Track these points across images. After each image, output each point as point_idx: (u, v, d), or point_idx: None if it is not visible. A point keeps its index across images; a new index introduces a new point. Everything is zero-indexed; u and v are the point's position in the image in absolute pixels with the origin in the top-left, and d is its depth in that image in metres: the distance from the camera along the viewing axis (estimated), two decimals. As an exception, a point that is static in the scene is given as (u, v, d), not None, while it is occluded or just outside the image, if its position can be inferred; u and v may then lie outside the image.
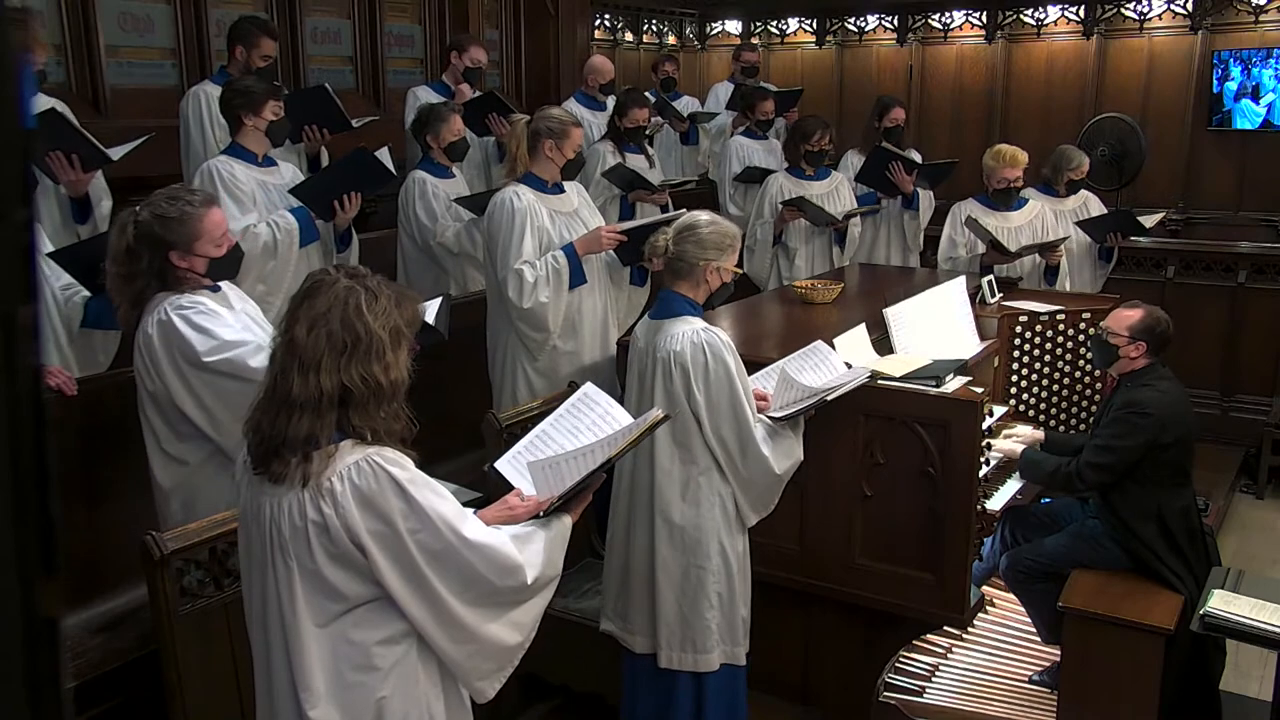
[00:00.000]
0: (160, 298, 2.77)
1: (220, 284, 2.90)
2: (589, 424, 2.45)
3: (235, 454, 2.19)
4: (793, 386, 3.02)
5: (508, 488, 2.29)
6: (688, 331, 2.90)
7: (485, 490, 2.97)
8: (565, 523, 2.13)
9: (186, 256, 2.76)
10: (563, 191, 4.02)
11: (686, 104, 7.27)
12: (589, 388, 2.57)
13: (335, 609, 1.89)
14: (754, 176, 6.04)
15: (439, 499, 1.90)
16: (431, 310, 3.07)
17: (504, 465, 2.37)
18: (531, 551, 2.01)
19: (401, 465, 1.88)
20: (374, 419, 1.88)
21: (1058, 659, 3.57)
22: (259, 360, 2.61)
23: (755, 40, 9.03)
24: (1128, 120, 7.22)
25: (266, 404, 1.88)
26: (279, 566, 1.88)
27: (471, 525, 1.94)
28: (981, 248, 5.01)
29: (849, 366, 3.28)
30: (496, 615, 1.98)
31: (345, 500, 1.83)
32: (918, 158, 5.84)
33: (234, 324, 2.82)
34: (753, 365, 3.17)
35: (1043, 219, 5.12)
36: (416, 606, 1.90)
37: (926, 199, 5.73)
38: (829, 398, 3.00)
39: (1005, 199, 5.07)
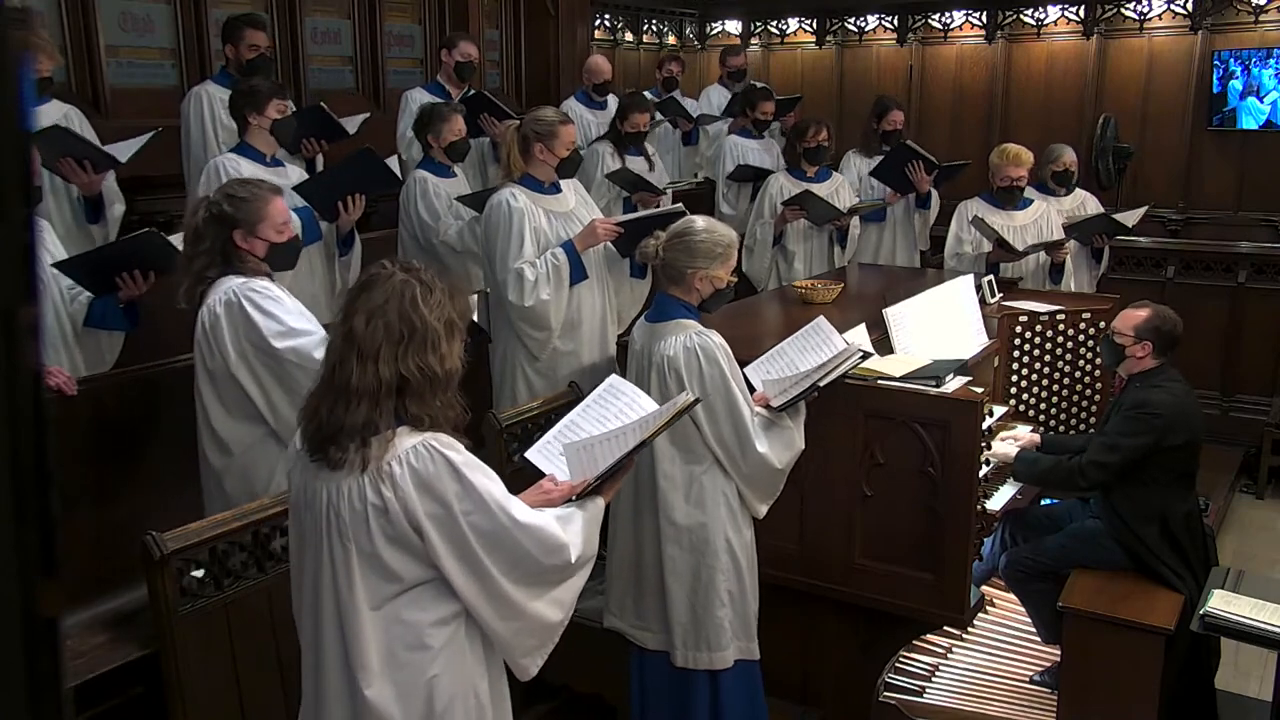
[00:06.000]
0: (226, 280, 2.83)
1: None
2: (616, 412, 2.52)
3: (288, 438, 2.23)
4: (782, 379, 3.03)
5: (536, 476, 2.35)
6: (681, 336, 2.91)
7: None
8: (599, 504, 2.22)
9: (249, 238, 2.85)
10: (559, 191, 4.02)
11: (688, 105, 7.24)
12: (614, 379, 2.64)
13: (390, 590, 1.95)
14: (746, 175, 6.02)
15: (490, 481, 1.96)
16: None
17: (534, 454, 2.46)
18: (573, 531, 2.08)
19: (456, 449, 1.95)
20: (430, 407, 1.94)
21: (1058, 659, 3.57)
22: (322, 352, 2.68)
23: (755, 40, 9.02)
24: (1104, 118, 7.21)
25: (324, 392, 1.94)
26: (336, 550, 1.94)
27: (519, 507, 2.01)
28: (988, 246, 5.02)
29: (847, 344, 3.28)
30: (541, 593, 2.05)
31: (404, 483, 1.89)
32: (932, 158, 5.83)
33: (295, 311, 2.89)
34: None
35: (1048, 218, 5.14)
36: (468, 586, 1.96)
37: (935, 197, 5.74)
38: (822, 382, 3.01)
39: (1010, 198, 5.08)
